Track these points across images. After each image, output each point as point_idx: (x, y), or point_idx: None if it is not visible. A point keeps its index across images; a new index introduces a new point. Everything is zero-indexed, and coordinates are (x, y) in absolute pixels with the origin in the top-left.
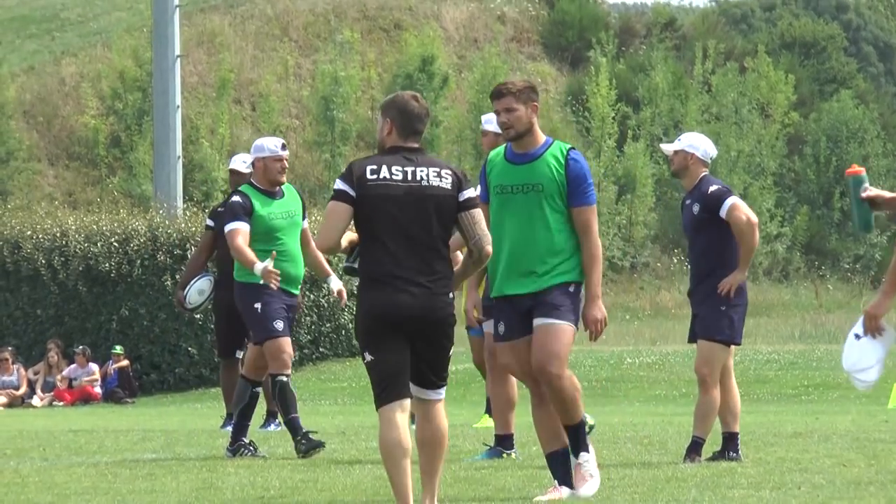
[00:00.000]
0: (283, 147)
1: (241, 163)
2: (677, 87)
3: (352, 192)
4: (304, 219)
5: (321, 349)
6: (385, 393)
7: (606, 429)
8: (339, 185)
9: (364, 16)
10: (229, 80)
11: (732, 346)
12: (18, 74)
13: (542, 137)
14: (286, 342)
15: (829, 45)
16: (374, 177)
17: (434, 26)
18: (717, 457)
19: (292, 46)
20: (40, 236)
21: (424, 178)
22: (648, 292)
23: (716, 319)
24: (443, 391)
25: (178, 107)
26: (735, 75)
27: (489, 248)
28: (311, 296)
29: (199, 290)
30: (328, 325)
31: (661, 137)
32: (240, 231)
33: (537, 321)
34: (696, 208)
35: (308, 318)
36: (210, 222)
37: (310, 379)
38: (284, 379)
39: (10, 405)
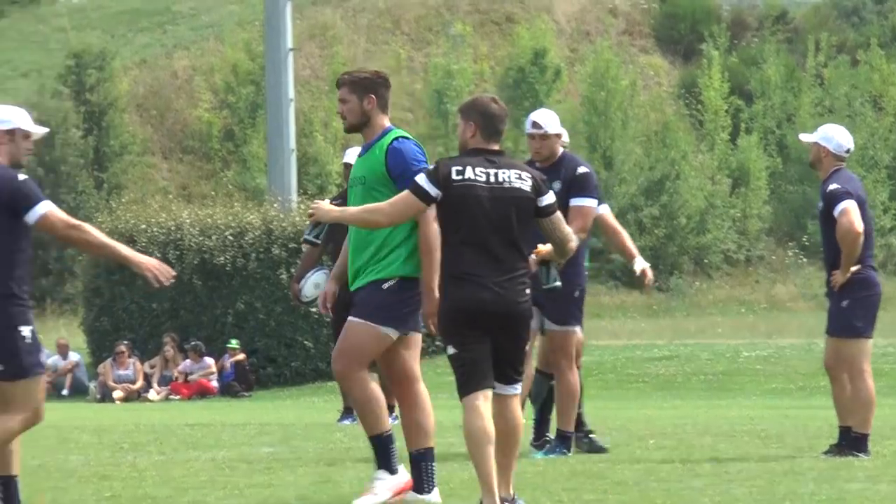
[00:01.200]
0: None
1: (355, 156)
2: (790, 79)
3: (433, 193)
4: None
5: (437, 342)
6: (468, 384)
7: (723, 422)
8: (423, 181)
9: (476, 9)
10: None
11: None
12: (131, 68)
13: (379, 129)
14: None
15: None
16: (460, 177)
17: (546, 19)
18: (834, 451)
19: (404, 40)
20: (155, 230)
21: (506, 179)
22: (763, 286)
23: (840, 315)
24: (519, 386)
25: (291, 100)
26: (847, 68)
27: (571, 245)
28: None
29: (314, 283)
30: None
31: (774, 130)
32: None
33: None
34: (820, 203)
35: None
36: None
37: (426, 372)
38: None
39: (126, 399)
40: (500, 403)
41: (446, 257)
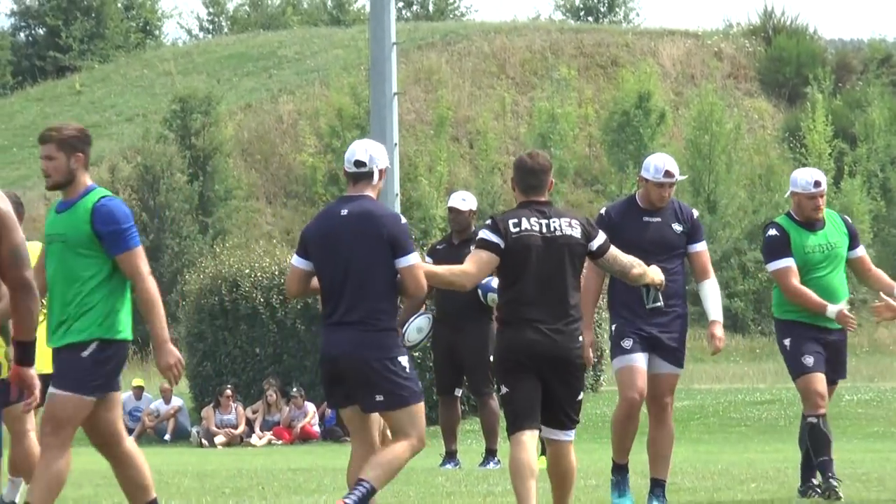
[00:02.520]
0: (817, 185)
1: (461, 200)
2: (894, 123)
3: (501, 244)
4: (855, 246)
5: None
6: (517, 423)
7: None
8: (488, 235)
9: (581, 52)
10: (447, 118)
11: None
12: (236, 112)
13: (82, 187)
14: (816, 378)
15: None
16: (517, 229)
17: (651, 63)
18: None
19: (509, 83)
20: (258, 274)
21: (558, 228)
22: (866, 329)
23: None
24: (572, 433)
25: (395, 144)
26: None
27: (634, 271)
28: None
29: (417, 327)
30: None
31: (878, 174)
32: (790, 271)
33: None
34: None
35: None
36: (429, 259)
37: None
38: (814, 420)
39: (228, 444)
40: (554, 449)
41: (505, 304)
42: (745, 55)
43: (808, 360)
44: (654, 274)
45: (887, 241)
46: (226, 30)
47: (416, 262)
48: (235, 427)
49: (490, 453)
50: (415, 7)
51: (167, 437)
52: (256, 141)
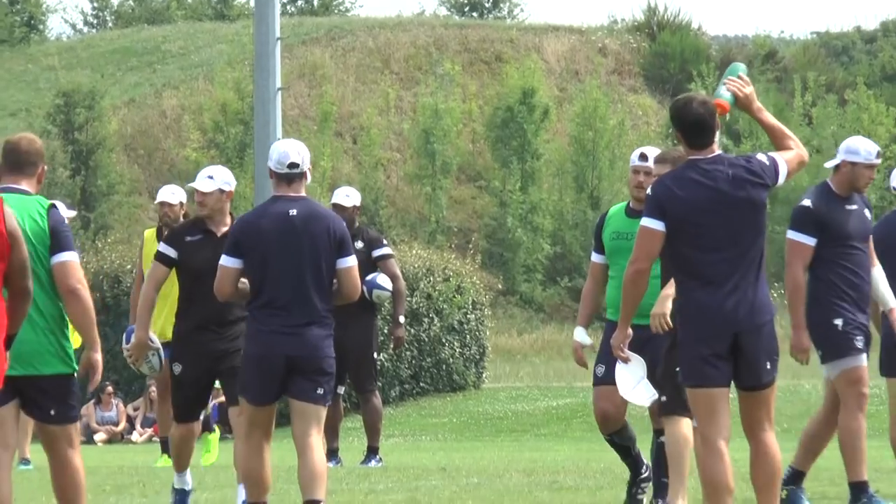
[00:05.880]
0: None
1: (344, 196)
2: (778, 118)
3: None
4: None
5: (422, 384)
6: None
7: None
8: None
9: (465, 48)
10: (331, 113)
11: None
12: (120, 107)
13: None
14: (598, 393)
15: None
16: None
17: (535, 58)
18: None
19: (393, 79)
20: None
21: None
22: None
23: None
24: None
25: (279, 139)
26: (835, 108)
27: None
28: (412, 330)
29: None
30: (429, 359)
31: None
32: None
33: None
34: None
35: (409, 353)
36: None
37: (410, 414)
38: (607, 439)
39: (109, 441)
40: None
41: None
42: (630, 51)
43: (598, 370)
44: None
45: (770, 238)
46: (110, 24)
47: (355, 265)
48: (116, 424)
49: (372, 451)
50: (299, 2)
51: None
52: (140, 136)
